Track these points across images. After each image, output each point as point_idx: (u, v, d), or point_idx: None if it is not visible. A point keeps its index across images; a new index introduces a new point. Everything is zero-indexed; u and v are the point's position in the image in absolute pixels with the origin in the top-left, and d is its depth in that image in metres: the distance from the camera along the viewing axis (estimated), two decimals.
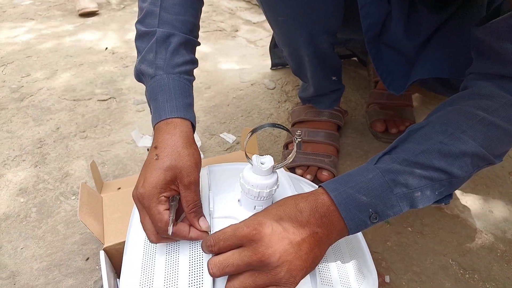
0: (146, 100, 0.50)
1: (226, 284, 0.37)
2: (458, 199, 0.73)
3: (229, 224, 0.38)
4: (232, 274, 0.36)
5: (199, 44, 0.54)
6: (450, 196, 0.41)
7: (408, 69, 0.62)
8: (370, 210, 0.37)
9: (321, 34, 0.63)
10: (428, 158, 0.38)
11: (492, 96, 0.41)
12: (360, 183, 0.38)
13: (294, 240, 0.35)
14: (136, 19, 0.49)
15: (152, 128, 0.45)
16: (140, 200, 0.40)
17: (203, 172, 0.52)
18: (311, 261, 0.36)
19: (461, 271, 0.60)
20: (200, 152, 0.49)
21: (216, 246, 0.36)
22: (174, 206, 0.41)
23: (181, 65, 0.47)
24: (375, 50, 0.61)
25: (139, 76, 0.49)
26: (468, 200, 0.73)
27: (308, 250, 0.36)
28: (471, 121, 0.40)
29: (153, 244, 0.43)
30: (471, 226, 0.68)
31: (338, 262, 0.45)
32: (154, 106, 0.45)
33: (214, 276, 0.36)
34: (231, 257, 0.35)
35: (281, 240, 0.34)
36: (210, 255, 0.39)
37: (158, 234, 0.40)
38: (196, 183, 0.42)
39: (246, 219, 0.38)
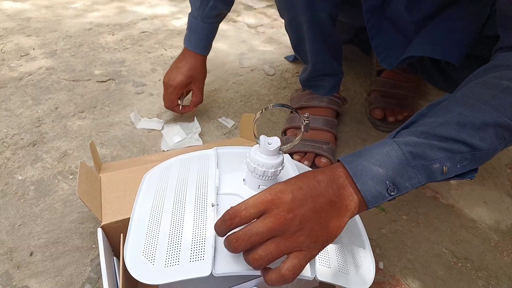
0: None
1: (249, 255, 0.35)
2: (454, 189, 0.74)
3: (234, 201, 0.39)
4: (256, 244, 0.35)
5: None
6: (475, 170, 0.39)
7: (405, 46, 0.61)
8: (387, 182, 0.37)
9: (320, 0, 0.62)
10: (447, 130, 0.37)
11: None
12: (376, 155, 0.37)
13: (313, 208, 0.35)
14: None
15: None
16: (167, 87, 0.79)
17: (211, 152, 0.53)
18: (330, 229, 0.37)
19: (454, 260, 0.61)
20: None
21: (237, 217, 0.35)
22: (182, 97, 0.82)
23: (214, 17, 0.74)
24: (372, 21, 0.61)
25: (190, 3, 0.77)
26: (463, 190, 0.74)
27: (327, 218, 0.36)
28: (494, 91, 0.38)
29: (158, 215, 0.45)
30: (466, 216, 0.69)
31: (337, 247, 0.46)
32: (187, 35, 0.78)
33: (237, 250, 0.35)
34: (255, 226, 0.34)
35: (301, 207, 0.35)
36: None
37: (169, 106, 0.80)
38: (202, 89, 0.81)
39: (266, 188, 0.37)
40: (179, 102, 0.81)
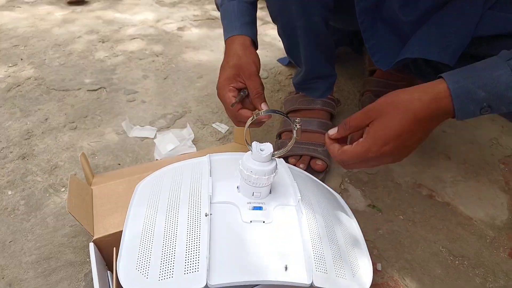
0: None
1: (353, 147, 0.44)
2: (449, 187, 0.74)
3: (228, 209, 0.44)
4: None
5: None
6: None
7: (400, 47, 0.61)
8: (485, 104, 0.38)
9: (315, 4, 0.61)
10: None
11: None
12: (484, 79, 0.38)
13: (397, 127, 0.41)
14: None
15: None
16: (218, 94, 0.58)
17: (204, 160, 0.52)
18: (415, 145, 0.43)
19: (451, 258, 0.61)
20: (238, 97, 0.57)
21: (347, 125, 0.45)
22: (241, 95, 0.56)
23: None
24: (366, 23, 0.60)
25: (217, 7, 0.67)
26: (458, 187, 0.74)
27: (405, 131, 0.41)
28: None
29: (151, 227, 0.45)
30: (461, 213, 0.69)
31: (334, 250, 0.45)
32: (223, 28, 0.62)
33: (353, 168, 0.47)
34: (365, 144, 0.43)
35: (396, 128, 0.41)
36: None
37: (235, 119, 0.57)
38: (256, 75, 0.56)
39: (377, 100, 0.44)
40: (236, 99, 0.57)
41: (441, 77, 0.41)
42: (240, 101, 0.56)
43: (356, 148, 0.44)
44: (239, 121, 0.57)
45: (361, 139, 0.43)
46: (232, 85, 0.56)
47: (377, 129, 0.42)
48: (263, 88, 0.57)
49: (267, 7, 0.67)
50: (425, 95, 0.40)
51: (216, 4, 0.67)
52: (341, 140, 0.48)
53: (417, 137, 0.42)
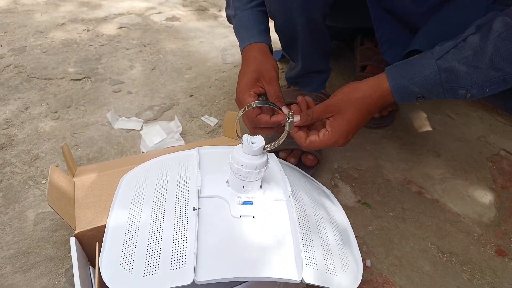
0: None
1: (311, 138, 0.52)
2: (438, 184, 0.74)
3: (217, 204, 0.43)
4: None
5: None
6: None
7: (408, 39, 0.60)
8: (419, 95, 0.48)
9: (316, 1, 0.60)
10: (496, 60, 0.43)
11: None
12: (417, 77, 0.47)
13: (360, 124, 0.52)
14: None
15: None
16: (238, 99, 0.58)
17: (193, 153, 0.51)
18: (360, 126, 0.52)
19: (440, 254, 0.61)
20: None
21: (310, 116, 0.52)
22: (261, 100, 0.56)
23: (251, 0, 0.64)
24: (376, 12, 0.60)
25: (229, 19, 0.70)
26: (447, 185, 0.74)
27: (361, 122, 0.52)
28: None
29: (136, 221, 0.43)
30: (450, 210, 0.69)
31: (324, 246, 0.44)
32: (238, 39, 0.64)
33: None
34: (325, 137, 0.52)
35: (352, 130, 0.52)
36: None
37: (252, 128, 0.57)
38: (275, 80, 0.57)
39: (332, 128, 0.52)
40: (255, 103, 0.53)
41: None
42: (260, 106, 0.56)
43: (324, 140, 0.52)
44: (255, 127, 0.57)
45: (326, 132, 0.52)
46: (252, 90, 0.57)
47: (340, 124, 0.51)
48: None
49: (266, 4, 0.65)
50: (374, 93, 0.50)
51: (228, 16, 0.69)
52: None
53: (366, 121, 0.53)
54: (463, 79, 0.45)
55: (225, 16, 0.73)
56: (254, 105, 0.48)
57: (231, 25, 0.69)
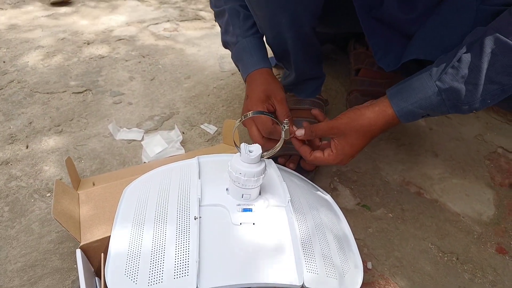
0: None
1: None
2: (437, 184, 0.75)
3: (217, 212, 0.45)
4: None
5: None
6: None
7: (402, 45, 0.61)
8: (423, 114, 0.51)
9: (304, 15, 0.61)
10: (492, 75, 0.45)
11: None
12: (420, 101, 0.49)
13: (360, 145, 0.54)
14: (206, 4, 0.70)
15: (244, 81, 0.66)
16: (248, 110, 0.59)
17: (193, 162, 0.52)
18: (363, 148, 0.56)
19: (440, 254, 0.62)
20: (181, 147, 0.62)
21: (313, 133, 0.56)
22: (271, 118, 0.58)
23: (252, 27, 0.66)
24: (366, 21, 0.60)
25: (225, 45, 0.71)
26: (446, 184, 0.75)
27: (365, 146, 0.55)
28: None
29: (140, 232, 0.44)
30: (449, 210, 0.70)
31: (324, 250, 0.45)
32: (241, 65, 0.66)
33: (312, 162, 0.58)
34: (326, 156, 0.56)
35: (356, 153, 0.55)
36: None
37: (263, 138, 0.59)
38: (285, 101, 0.62)
39: (337, 150, 0.55)
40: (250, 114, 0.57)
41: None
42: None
43: (328, 159, 0.55)
44: (267, 138, 0.60)
45: (331, 153, 0.55)
46: (264, 105, 0.60)
47: (345, 147, 0.54)
48: None
49: (255, 20, 0.66)
50: (379, 120, 0.52)
51: (224, 42, 0.70)
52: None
53: (369, 143, 0.55)
54: (464, 96, 0.47)
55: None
56: (250, 115, 0.49)
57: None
